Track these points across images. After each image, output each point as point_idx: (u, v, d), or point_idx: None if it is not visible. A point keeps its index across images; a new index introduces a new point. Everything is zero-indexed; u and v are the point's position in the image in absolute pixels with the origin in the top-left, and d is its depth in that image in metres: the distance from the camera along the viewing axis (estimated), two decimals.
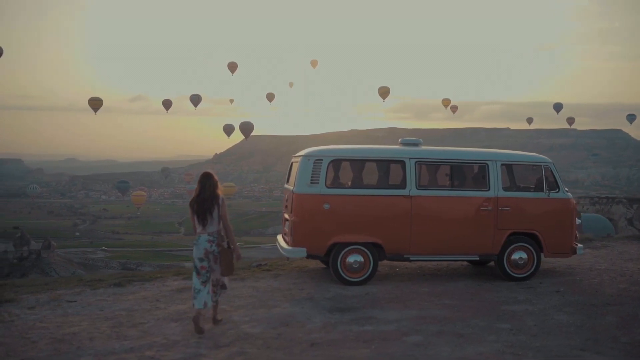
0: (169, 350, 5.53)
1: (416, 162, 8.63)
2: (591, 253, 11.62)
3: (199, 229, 6.30)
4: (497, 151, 9.30)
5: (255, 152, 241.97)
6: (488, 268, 9.75)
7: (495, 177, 8.75)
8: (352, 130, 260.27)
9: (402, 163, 8.61)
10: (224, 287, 6.56)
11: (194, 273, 6.31)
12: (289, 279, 8.79)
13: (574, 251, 9.02)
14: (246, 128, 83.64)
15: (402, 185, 8.57)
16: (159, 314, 6.79)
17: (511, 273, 8.78)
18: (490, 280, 8.82)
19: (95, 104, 72.96)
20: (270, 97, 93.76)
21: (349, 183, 8.82)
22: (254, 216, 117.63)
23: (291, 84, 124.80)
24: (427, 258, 8.90)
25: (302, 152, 8.83)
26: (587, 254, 11.36)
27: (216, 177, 6.45)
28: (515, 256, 8.78)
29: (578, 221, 9.40)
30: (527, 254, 8.81)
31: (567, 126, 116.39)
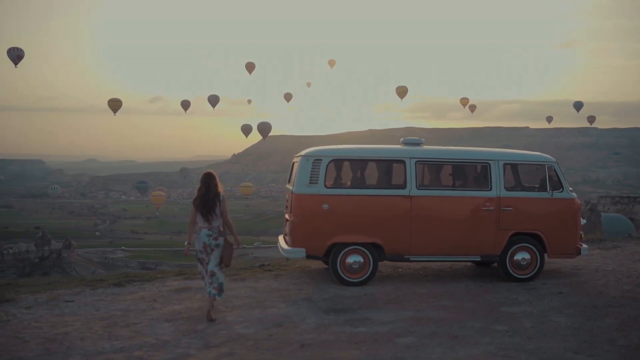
0: (158, 350, 5.54)
1: (416, 161, 8.55)
2: (600, 254, 11.44)
3: (202, 224, 6.76)
4: (499, 150, 9.19)
5: (273, 152, 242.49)
6: (492, 269, 9.63)
7: (497, 176, 8.63)
8: (369, 130, 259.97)
9: (402, 163, 8.54)
10: (220, 288, 6.81)
11: (198, 264, 6.98)
12: (289, 280, 8.77)
13: (578, 252, 8.87)
14: (264, 128, 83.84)
15: (402, 185, 8.50)
16: (154, 314, 6.80)
17: (514, 274, 8.66)
18: (493, 281, 8.71)
19: (115, 105, 73.69)
20: (287, 97, 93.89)
21: (349, 183, 8.77)
22: (272, 216, 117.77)
23: (309, 84, 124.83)
24: (428, 259, 8.81)
25: (302, 152, 8.80)
26: (596, 255, 11.19)
27: (217, 177, 6.89)
28: (518, 257, 8.66)
29: (583, 221, 9.24)
30: (530, 255, 8.68)
31: (587, 125, 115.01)
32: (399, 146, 8.99)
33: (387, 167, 8.76)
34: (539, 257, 8.69)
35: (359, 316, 6.83)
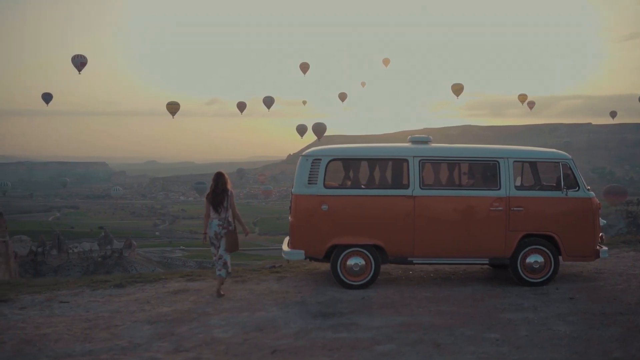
0: (126, 354, 5.48)
1: (420, 160, 8.22)
2: (634, 256, 10.73)
3: (213, 215, 7.88)
4: (510, 148, 8.72)
5: None
6: (508, 271, 9.16)
7: (507, 175, 8.20)
8: (425, 128, 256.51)
9: (405, 162, 8.23)
10: (225, 267, 7.88)
11: (212, 248, 7.98)
12: (291, 282, 8.59)
13: (597, 254, 8.32)
14: (319, 129, 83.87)
15: (405, 184, 8.19)
16: (140, 316, 6.78)
17: (525, 278, 8.20)
18: (503, 285, 8.27)
19: (173, 108, 75.34)
20: (342, 96, 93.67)
21: (349, 183, 8.52)
22: None
23: (363, 84, 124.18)
24: (433, 261, 8.45)
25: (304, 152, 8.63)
26: (628, 257, 10.52)
27: (227, 176, 8.04)
28: (530, 259, 8.20)
29: (603, 222, 8.65)
30: (544, 258, 8.21)
31: None
32: (402, 144, 8.68)
33: (389, 167, 8.46)
34: (552, 260, 8.21)
35: (346, 321, 6.59)
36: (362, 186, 8.47)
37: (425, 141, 8.70)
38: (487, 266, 9.51)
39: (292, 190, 8.36)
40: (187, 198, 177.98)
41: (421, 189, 8.15)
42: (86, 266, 74.85)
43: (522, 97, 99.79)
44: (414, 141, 8.72)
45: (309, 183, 8.17)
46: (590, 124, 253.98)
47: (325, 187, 8.16)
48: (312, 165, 8.20)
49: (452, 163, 8.55)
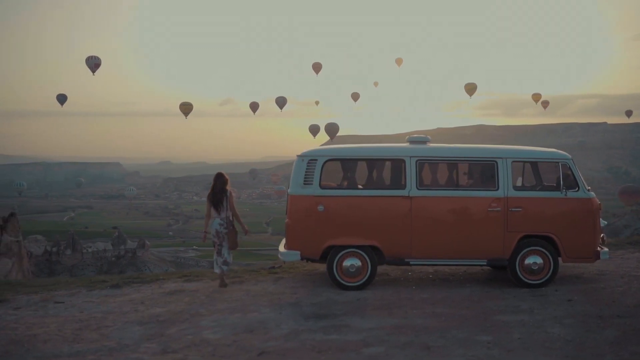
0: (112, 355, 5.47)
1: (417, 160, 8.14)
2: (639, 258, 10.55)
3: (214, 215, 8.26)
4: (508, 147, 8.62)
5: None
6: (507, 273, 9.05)
7: (505, 175, 8.10)
8: (438, 128, 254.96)
9: (401, 162, 8.16)
10: (225, 263, 8.28)
11: (212, 245, 8.33)
12: (288, 283, 8.55)
13: (597, 256, 8.19)
14: (331, 129, 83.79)
15: (402, 185, 8.12)
16: (132, 317, 6.77)
17: (524, 279, 8.10)
18: (502, 287, 8.16)
19: (186, 108, 75.63)
20: (355, 96, 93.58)
21: (345, 183, 8.46)
22: None
23: (376, 84, 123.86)
24: (430, 262, 8.37)
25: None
26: (633, 259, 10.36)
27: (226, 177, 8.45)
28: (529, 261, 8.09)
29: (604, 223, 8.52)
30: (543, 259, 8.10)
31: None
32: (399, 144, 8.61)
33: (386, 167, 8.41)
34: (552, 262, 8.10)
35: (338, 323, 6.53)
36: (359, 187, 8.41)
37: (424, 141, 8.62)
38: (487, 267, 9.40)
39: (288, 190, 8.32)
40: (201, 198, 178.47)
41: (418, 189, 8.08)
42: (100, 266, 75.38)
43: (536, 97, 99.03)
44: (412, 141, 8.65)
45: (304, 183, 8.12)
46: (605, 123, 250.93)
47: (321, 187, 8.11)
48: (307, 166, 8.15)
49: (450, 163, 8.46)
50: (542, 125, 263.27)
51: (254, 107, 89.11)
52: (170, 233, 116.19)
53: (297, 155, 8.37)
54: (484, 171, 8.33)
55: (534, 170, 8.78)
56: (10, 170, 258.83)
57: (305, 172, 8.13)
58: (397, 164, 8.21)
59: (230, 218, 8.33)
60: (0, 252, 32.86)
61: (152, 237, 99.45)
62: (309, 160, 8.19)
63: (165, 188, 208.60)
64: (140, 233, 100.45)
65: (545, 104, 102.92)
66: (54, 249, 74.90)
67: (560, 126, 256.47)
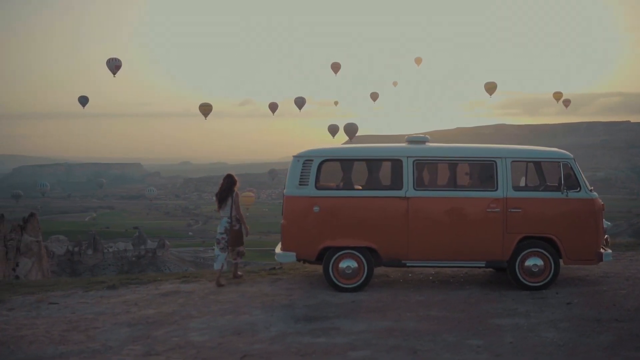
0: (95, 357, 5.45)
1: (414, 160, 8.01)
2: None
3: (223, 213, 8.65)
4: (508, 147, 8.45)
5: None
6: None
7: (504, 175, 7.94)
8: (457, 128, 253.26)
9: (398, 162, 8.04)
10: (240, 254, 8.90)
11: (215, 243, 8.76)
12: (285, 284, 8.48)
13: (600, 257, 7.98)
14: (350, 129, 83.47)
15: (399, 185, 8.00)
16: (122, 319, 6.75)
17: (524, 281, 7.92)
18: (502, 289, 7.99)
19: (205, 109, 75.86)
20: (374, 96, 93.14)
21: (341, 184, 8.36)
22: None
23: (395, 83, 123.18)
24: (427, 264, 8.24)
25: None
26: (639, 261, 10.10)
27: (235, 178, 8.81)
28: (529, 263, 7.91)
29: (607, 224, 8.30)
30: (543, 261, 7.92)
31: None
32: (396, 144, 8.49)
33: (383, 167, 8.29)
34: (552, 264, 7.91)
35: (328, 325, 6.44)
36: (356, 187, 8.31)
37: (422, 141, 8.49)
38: (489, 269, 9.24)
39: (284, 191, 8.25)
40: None
41: (415, 189, 7.95)
42: (120, 265, 76.13)
43: (557, 95, 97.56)
44: (411, 141, 8.53)
45: (300, 184, 8.05)
46: (628, 121, 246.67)
47: (317, 188, 8.03)
48: (303, 166, 8.08)
49: (448, 163, 8.32)
50: (564, 124, 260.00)
51: (273, 107, 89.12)
52: (190, 233, 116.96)
53: (293, 156, 8.30)
54: (482, 171, 8.17)
55: (537, 170, 8.61)
56: (33, 171, 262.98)
57: (301, 172, 8.06)
58: (394, 165, 8.09)
59: (237, 217, 8.72)
60: (20, 252, 33.30)
61: (172, 237, 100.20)
62: (305, 160, 8.11)
63: (186, 188, 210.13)
64: (161, 233, 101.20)
65: (567, 102, 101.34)
66: (76, 249, 75.89)
67: (582, 125, 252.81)
